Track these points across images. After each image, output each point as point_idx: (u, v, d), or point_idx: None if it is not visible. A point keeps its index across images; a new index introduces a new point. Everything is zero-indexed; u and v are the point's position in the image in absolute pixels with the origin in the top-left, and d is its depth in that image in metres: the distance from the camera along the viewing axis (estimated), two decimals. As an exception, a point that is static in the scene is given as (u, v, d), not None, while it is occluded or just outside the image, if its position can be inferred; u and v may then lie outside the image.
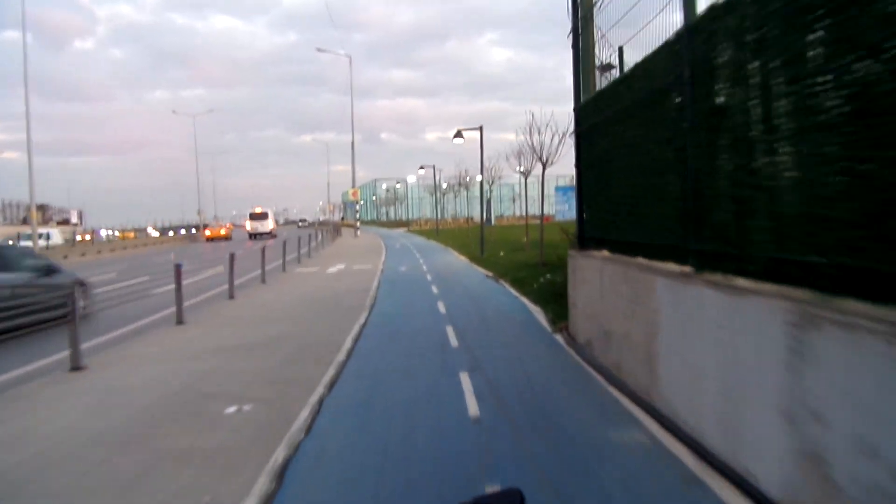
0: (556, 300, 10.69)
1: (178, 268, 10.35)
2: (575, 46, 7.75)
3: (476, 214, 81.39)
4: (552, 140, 16.59)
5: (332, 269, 19.47)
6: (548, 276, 14.35)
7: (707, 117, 4.09)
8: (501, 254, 21.96)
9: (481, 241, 22.35)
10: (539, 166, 17.53)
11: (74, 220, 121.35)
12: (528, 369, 6.42)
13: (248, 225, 52.96)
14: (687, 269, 4.41)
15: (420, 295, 12.75)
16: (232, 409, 5.19)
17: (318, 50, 62.98)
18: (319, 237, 37.85)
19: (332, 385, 6.02)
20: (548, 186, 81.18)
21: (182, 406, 5.38)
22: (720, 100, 3.97)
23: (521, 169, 21.72)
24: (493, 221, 67.95)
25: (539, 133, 16.61)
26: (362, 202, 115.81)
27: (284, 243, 23.51)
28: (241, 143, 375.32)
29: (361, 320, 9.61)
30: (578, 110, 7.70)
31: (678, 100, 4.56)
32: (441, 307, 10.90)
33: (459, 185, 40.20)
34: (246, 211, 54.95)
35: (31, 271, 10.24)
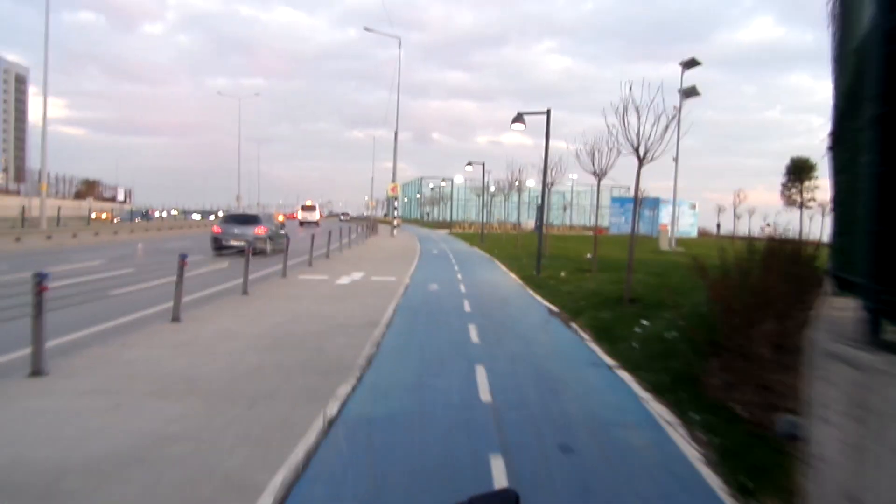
0: (683, 385, 5.94)
1: (181, 259, 8.97)
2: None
3: (525, 220, 76.43)
4: (654, 127, 11.63)
5: (345, 279, 15.04)
6: (644, 323, 9.57)
7: None
8: (563, 274, 17.17)
9: (538, 256, 17.57)
10: (631, 162, 12.63)
11: (121, 197, 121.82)
12: None
13: (300, 214, 63.78)
14: None
15: (450, 346, 8.07)
16: None
17: (366, 29, 58.96)
18: (353, 234, 33.75)
19: None
20: (604, 196, 74.91)
21: None
22: None
23: (597, 168, 16.92)
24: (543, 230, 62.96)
25: (637, 115, 11.68)
26: (406, 199, 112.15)
27: (313, 237, 19.55)
28: (294, 134, 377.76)
29: (329, 414, 5.05)
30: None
31: None
32: (482, 379, 6.24)
33: (510, 187, 35.50)
34: (291, 200, 57.51)
35: (274, 226, 22.99)
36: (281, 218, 51.42)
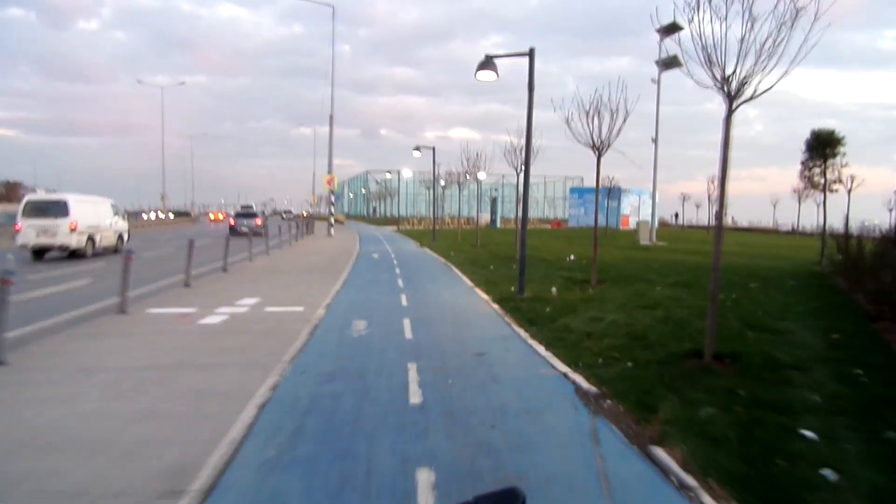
0: None
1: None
2: None
3: (481, 214, 71.22)
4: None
5: (221, 313, 9.31)
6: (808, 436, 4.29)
7: None
8: (554, 291, 11.87)
9: (522, 263, 12.07)
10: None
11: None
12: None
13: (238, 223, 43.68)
14: None
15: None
16: None
17: None
18: (282, 235, 27.75)
19: None
20: (559, 187, 70.34)
21: None
22: None
23: (595, 138, 11.79)
24: (498, 223, 57.85)
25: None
26: (351, 195, 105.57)
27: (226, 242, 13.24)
28: (239, 132, 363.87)
29: None
30: None
31: None
32: None
33: (465, 176, 30.16)
34: (233, 199, 47.66)
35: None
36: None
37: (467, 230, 45.00)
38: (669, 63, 31.16)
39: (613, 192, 61.78)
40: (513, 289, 12.09)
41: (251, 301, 10.55)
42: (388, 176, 46.36)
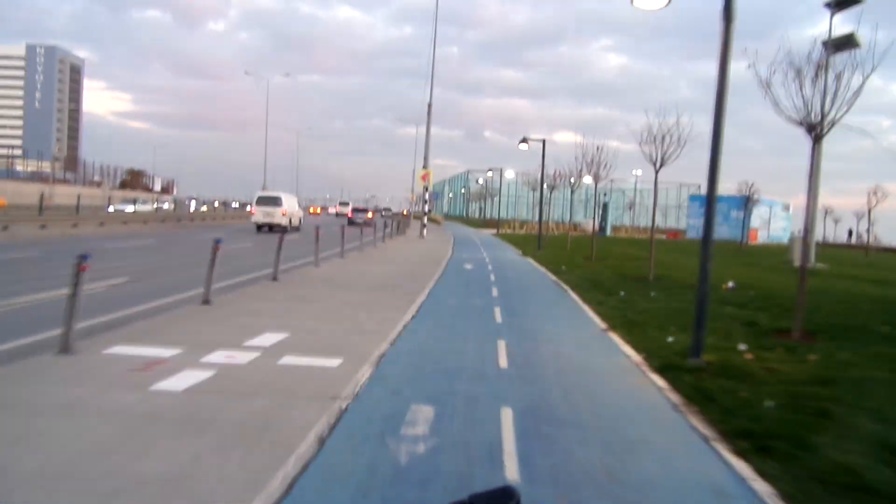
0: None
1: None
2: None
3: (582, 220, 65.79)
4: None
5: (202, 370, 5.67)
6: None
7: None
8: (745, 351, 7.37)
9: (700, 307, 7.58)
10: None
11: (157, 187, 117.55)
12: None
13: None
14: None
15: None
16: None
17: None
18: (368, 235, 24.54)
19: None
20: (672, 195, 63.48)
21: None
22: None
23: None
24: (608, 231, 52.40)
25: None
26: (451, 195, 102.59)
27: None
28: (347, 130, 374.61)
29: None
30: None
31: None
32: None
33: (579, 175, 25.58)
34: (336, 195, 50.85)
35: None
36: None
37: (575, 237, 40.24)
38: (842, 44, 24.98)
39: (736, 201, 54.61)
40: (669, 339, 7.74)
41: (272, 339, 6.88)
42: (490, 174, 42.48)
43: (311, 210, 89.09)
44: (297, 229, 31.21)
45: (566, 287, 13.39)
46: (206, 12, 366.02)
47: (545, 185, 32.81)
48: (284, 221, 29.65)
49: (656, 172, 15.74)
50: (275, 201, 30.90)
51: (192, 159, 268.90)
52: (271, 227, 29.53)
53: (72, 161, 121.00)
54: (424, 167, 31.96)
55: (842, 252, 49.03)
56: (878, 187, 36.40)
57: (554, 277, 15.41)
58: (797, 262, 25.21)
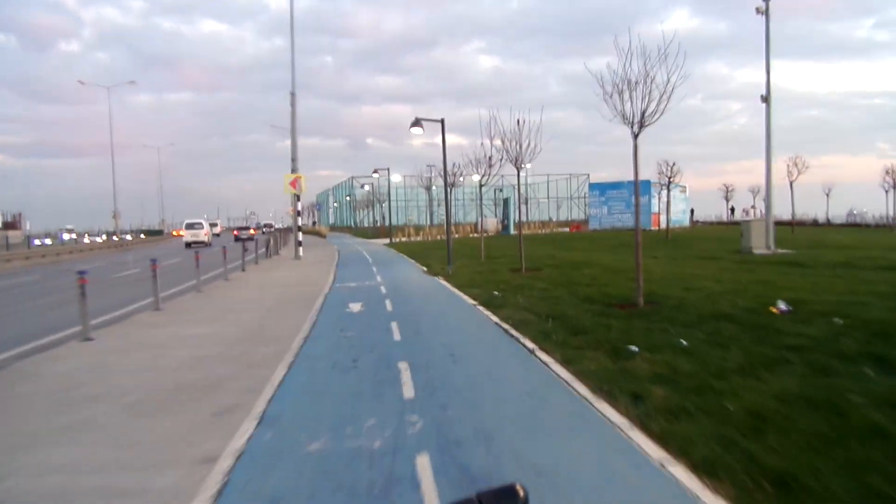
0: None
1: None
2: None
3: (483, 219, 60.91)
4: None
5: None
6: None
7: None
8: None
9: None
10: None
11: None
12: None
13: (185, 233, 52.51)
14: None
15: None
16: None
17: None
18: (231, 261, 17.63)
19: None
20: (562, 187, 59.15)
21: None
22: None
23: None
24: (511, 230, 47.67)
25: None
26: (336, 204, 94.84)
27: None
28: (225, 147, 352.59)
29: None
30: None
31: None
32: None
33: (483, 170, 20.06)
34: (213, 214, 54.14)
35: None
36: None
37: (478, 241, 34.83)
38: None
39: (643, 187, 51.87)
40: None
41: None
42: (376, 175, 36.41)
43: (174, 233, 79.36)
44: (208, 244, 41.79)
45: (526, 341, 7.45)
46: (55, 33, 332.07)
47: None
48: (207, 240, 43.97)
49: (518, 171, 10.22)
50: (197, 226, 46.27)
51: (46, 189, 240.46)
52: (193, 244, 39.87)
53: None
54: (293, 171, 25.12)
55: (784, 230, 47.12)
56: (797, 158, 33.64)
57: (493, 316, 9.44)
58: (758, 249, 21.08)
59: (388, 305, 10.97)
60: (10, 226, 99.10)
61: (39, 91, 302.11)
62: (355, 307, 10.86)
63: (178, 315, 10.56)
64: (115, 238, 56.36)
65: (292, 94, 25.24)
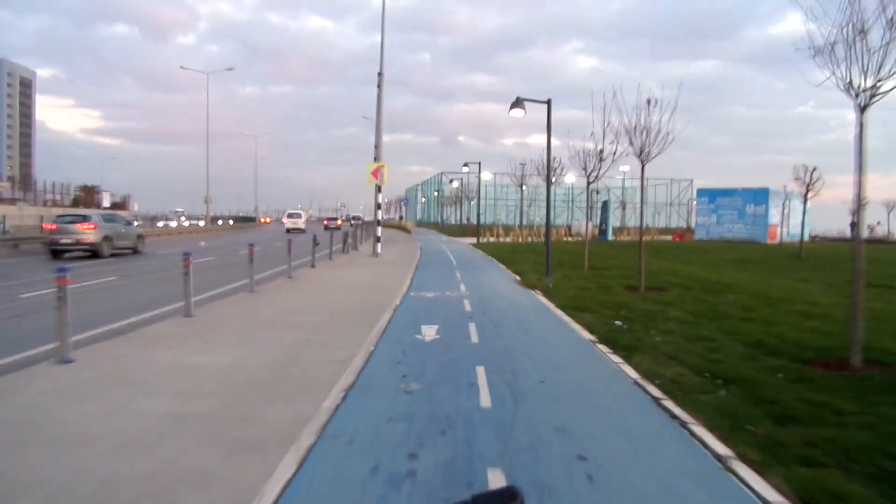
0: None
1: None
2: None
3: (574, 222, 56.92)
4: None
5: None
6: None
7: None
8: None
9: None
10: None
11: (106, 203, 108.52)
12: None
13: (287, 221, 57.51)
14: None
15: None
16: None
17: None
18: (308, 255, 15.58)
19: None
20: (660, 193, 53.66)
21: None
22: None
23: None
24: (609, 235, 43.65)
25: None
26: (423, 199, 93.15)
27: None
28: (321, 140, 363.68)
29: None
30: None
31: None
32: None
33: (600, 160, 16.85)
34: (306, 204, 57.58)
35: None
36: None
37: (576, 246, 31.40)
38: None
39: (759, 195, 46.34)
40: None
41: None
42: (466, 170, 33.76)
43: (263, 220, 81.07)
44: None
45: (704, 433, 4.37)
46: (175, 26, 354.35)
47: (542, 178, 23.93)
48: (302, 225, 50.44)
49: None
50: (298, 215, 52.91)
51: (154, 173, 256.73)
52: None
53: (26, 180, 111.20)
54: (376, 159, 22.80)
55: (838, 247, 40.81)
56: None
57: (625, 367, 6.37)
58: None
59: (473, 333, 8.09)
60: (118, 206, 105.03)
61: (156, 80, 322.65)
62: (429, 333, 8.06)
63: (203, 328, 8.17)
64: (201, 224, 57.33)
65: (379, 74, 22.91)
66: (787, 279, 16.17)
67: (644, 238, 48.73)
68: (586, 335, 8.12)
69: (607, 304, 10.54)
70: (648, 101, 11.96)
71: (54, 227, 19.96)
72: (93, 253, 19.88)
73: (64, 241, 19.49)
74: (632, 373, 6.13)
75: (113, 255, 20.71)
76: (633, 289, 12.90)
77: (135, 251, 22.77)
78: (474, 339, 7.74)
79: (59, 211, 30.63)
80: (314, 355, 6.71)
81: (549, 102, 14.81)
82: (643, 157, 12.53)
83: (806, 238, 50.90)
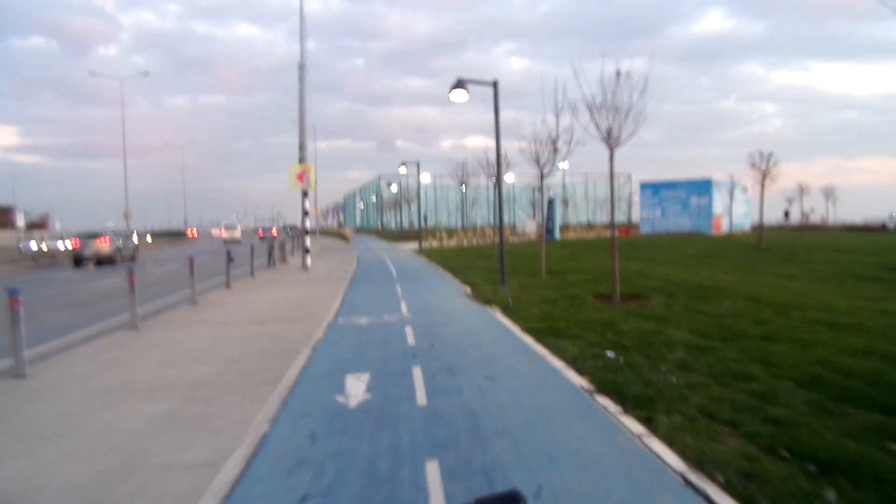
0: None
1: None
2: None
3: (519, 221, 55.32)
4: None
5: None
6: None
7: None
8: None
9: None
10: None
11: (20, 223, 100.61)
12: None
13: (225, 233, 58.26)
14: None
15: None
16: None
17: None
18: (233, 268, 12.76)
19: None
20: (601, 188, 52.74)
21: None
22: None
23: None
24: (557, 235, 42.08)
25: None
26: (362, 205, 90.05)
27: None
28: (256, 149, 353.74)
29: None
30: None
31: None
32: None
33: (554, 149, 14.88)
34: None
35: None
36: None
37: (525, 246, 29.46)
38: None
39: (703, 186, 45.85)
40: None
41: None
42: (403, 171, 31.36)
43: (189, 233, 75.72)
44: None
45: None
46: (95, 37, 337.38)
47: (486, 175, 21.80)
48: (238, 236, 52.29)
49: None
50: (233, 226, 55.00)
51: (79, 190, 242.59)
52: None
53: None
54: (301, 160, 20.05)
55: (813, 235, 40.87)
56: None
57: (657, 445, 4.14)
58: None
59: (419, 387, 5.67)
60: (36, 226, 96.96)
61: (78, 94, 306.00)
62: (355, 389, 5.60)
63: (13, 405, 5.44)
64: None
65: (301, 66, 20.20)
66: (769, 276, 14.50)
67: (590, 234, 47.09)
68: (574, 378, 5.86)
69: (585, 324, 8.34)
70: (618, 73, 9.86)
71: (78, 243, 25.18)
72: (108, 261, 24.97)
73: (86, 253, 24.76)
74: (671, 458, 3.87)
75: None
76: (607, 298, 10.80)
77: (132, 259, 27.28)
78: (421, 398, 5.33)
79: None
80: (167, 454, 4.15)
81: (495, 84, 12.57)
82: (612, 141, 10.43)
83: (747, 228, 50.98)
